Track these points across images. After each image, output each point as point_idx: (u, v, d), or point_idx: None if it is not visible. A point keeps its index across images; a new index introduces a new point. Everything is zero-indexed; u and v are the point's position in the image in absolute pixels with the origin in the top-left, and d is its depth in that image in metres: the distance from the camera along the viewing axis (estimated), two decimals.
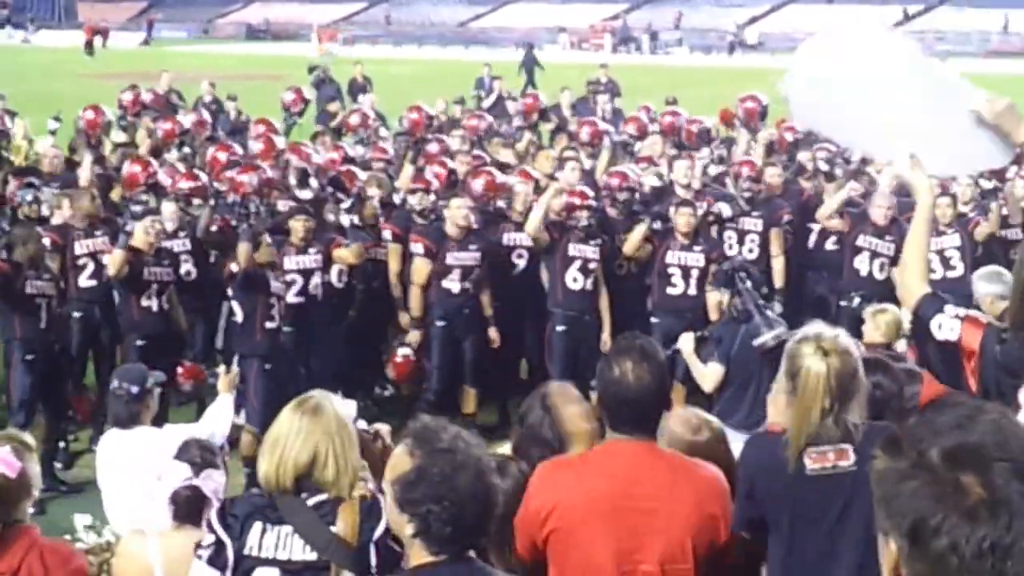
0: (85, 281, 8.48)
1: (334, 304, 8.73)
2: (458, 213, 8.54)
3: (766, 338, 6.12)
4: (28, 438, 3.81)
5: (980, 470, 1.58)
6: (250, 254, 7.81)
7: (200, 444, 4.20)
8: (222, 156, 9.29)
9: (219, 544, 3.43)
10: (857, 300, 8.68)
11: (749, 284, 6.29)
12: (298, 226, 8.42)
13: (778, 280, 9.31)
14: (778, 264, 9.36)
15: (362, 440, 3.67)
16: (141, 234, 7.95)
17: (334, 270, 8.72)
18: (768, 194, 9.59)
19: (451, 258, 8.52)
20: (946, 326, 3.53)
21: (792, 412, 3.55)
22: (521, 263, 8.93)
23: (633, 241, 8.70)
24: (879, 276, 8.99)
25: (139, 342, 7.91)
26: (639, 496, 3.39)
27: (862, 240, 9.07)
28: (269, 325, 7.95)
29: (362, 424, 3.83)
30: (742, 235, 9.34)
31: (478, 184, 9.06)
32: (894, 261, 8.89)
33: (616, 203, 9.05)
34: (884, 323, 6.06)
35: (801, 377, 3.52)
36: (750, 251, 9.27)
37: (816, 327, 3.67)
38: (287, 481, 3.45)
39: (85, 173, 9.93)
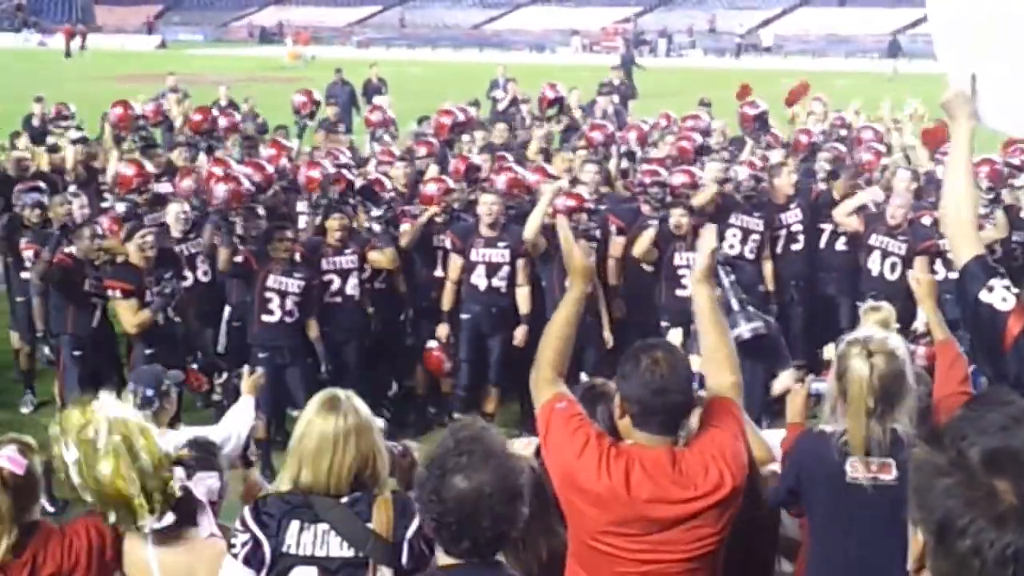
0: None
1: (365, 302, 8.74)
2: (483, 208, 8.56)
3: (741, 330, 6.14)
4: (31, 440, 3.79)
5: (1017, 477, 1.58)
6: (229, 258, 8.09)
7: (198, 445, 4.13)
8: (217, 170, 9.13)
9: (255, 542, 3.41)
10: (869, 301, 8.67)
11: (733, 278, 6.33)
12: (334, 225, 8.46)
13: (770, 283, 9.40)
14: (769, 267, 9.43)
15: (390, 455, 3.68)
16: (136, 252, 7.85)
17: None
18: (778, 196, 9.61)
19: (475, 254, 8.54)
20: (999, 294, 3.47)
21: (846, 417, 3.59)
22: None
23: (642, 244, 8.71)
24: (890, 276, 8.98)
25: (147, 351, 7.80)
26: (663, 505, 3.33)
27: (874, 239, 9.10)
28: (266, 318, 8.03)
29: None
30: (746, 235, 9.35)
31: (501, 181, 9.09)
32: (907, 262, 8.91)
33: (649, 199, 9.10)
34: (873, 321, 6.10)
35: (846, 379, 3.58)
36: (751, 251, 9.30)
37: (869, 330, 3.75)
38: (342, 485, 3.42)
39: (112, 170, 9.98)
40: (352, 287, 8.52)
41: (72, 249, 7.93)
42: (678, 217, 8.59)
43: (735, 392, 3.56)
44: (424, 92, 20.30)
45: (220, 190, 8.53)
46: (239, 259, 8.18)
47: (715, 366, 3.58)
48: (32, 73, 35.36)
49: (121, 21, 67.10)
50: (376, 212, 8.85)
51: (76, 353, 7.79)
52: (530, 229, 8.44)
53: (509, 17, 66.41)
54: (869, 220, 9.20)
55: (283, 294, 8.05)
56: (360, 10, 69.44)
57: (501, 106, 18.21)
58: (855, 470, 3.59)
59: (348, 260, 8.50)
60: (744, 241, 9.34)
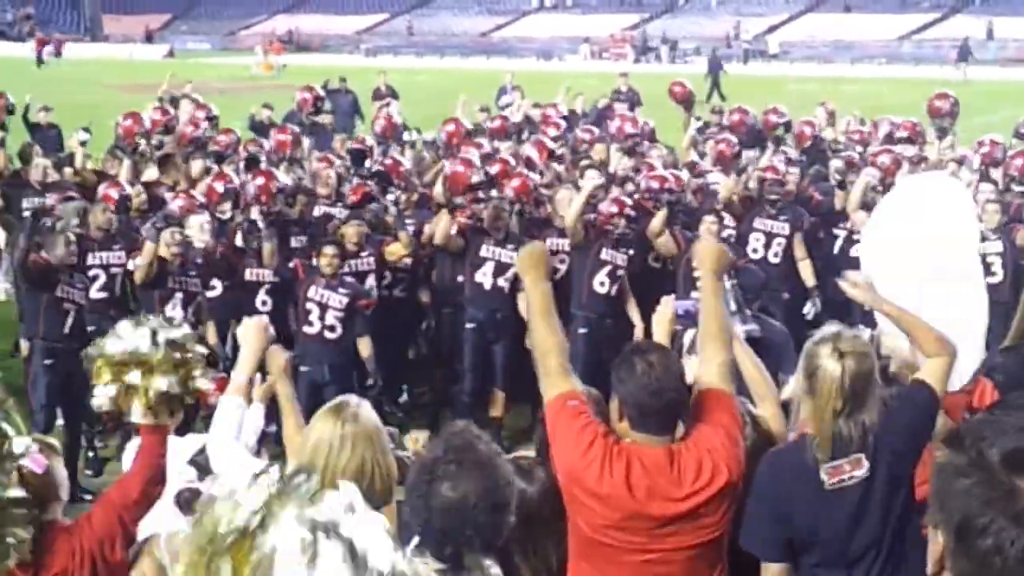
0: (96, 293, 8.44)
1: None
2: (492, 213, 8.64)
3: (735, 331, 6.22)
4: (53, 441, 3.82)
5: None
6: (274, 251, 8.16)
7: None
8: (218, 186, 9.15)
9: None
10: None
11: (734, 281, 6.41)
12: (351, 232, 8.55)
13: (810, 280, 9.42)
14: (806, 266, 9.45)
15: (400, 462, 3.67)
16: (163, 245, 7.92)
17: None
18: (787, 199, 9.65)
19: (485, 250, 8.59)
20: None
21: (812, 416, 3.61)
22: (563, 268, 8.94)
23: (656, 224, 8.79)
24: None
25: None
26: (663, 502, 3.38)
27: None
28: (306, 329, 8.05)
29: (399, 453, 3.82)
30: (770, 239, 9.42)
31: (511, 186, 9.13)
32: None
33: (659, 205, 9.16)
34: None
35: (817, 378, 3.58)
36: (775, 255, 9.36)
37: (835, 327, 3.71)
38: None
39: (124, 175, 10.01)
40: (368, 288, 8.55)
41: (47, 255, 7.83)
42: (709, 224, 8.66)
43: (724, 372, 3.58)
44: (432, 99, 20.37)
45: (250, 185, 8.63)
46: (291, 264, 8.27)
47: (705, 341, 3.65)
48: (36, 81, 35.44)
49: (129, 30, 67.33)
50: (391, 196, 8.89)
51: (47, 362, 7.73)
52: (570, 217, 8.51)
53: (516, 24, 66.51)
54: None
55: (323, 307, 8.02)
56: (368, 18, 69.61)
57: (515, 118, 18.05)
58: (831, 476, 3.60)
59: (364, 263, 8.59)
60: (768, 245, 9.40)
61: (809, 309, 9.34)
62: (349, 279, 8.30)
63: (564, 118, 13.12)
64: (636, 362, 3.42)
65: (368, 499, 3.38)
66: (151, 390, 3.53)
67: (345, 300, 8.06)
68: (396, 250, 8.67)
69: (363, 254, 8.61)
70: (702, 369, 3.64)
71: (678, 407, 3.47)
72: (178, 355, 3.55)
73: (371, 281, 8.62)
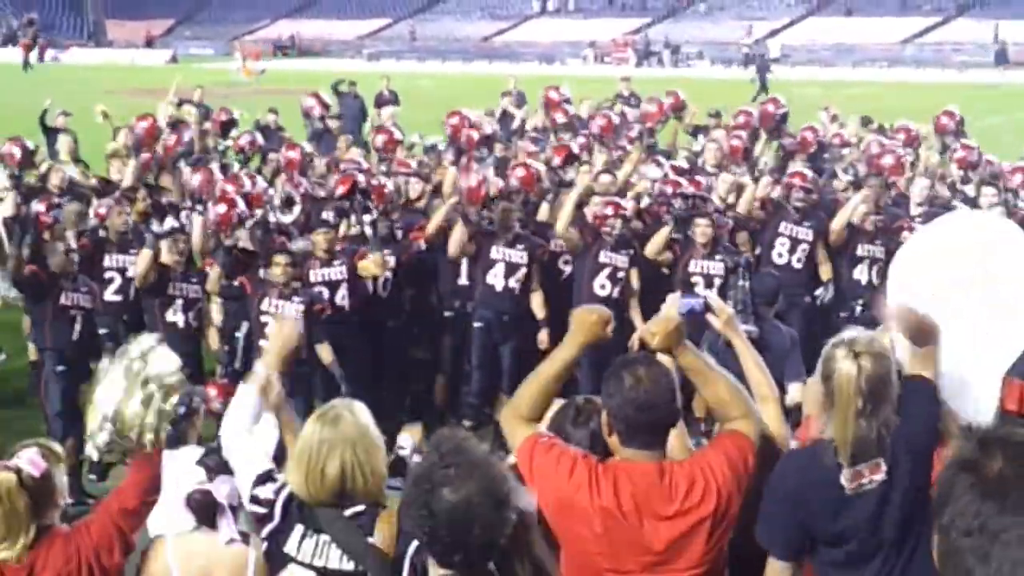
0: (110, 296, 8.47)
1: (373, 312, 8.77)
2: (501, 214, 8.66)
3: None
4: (57, 447, 3.85)
5: (1006, 457, 1.66)
6: (218, 279, 8.01)
7: (219, 450, 4.17)
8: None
9: (270, 514, 3.53)
10: (859, 308, 8.84)
11: (746, 284, 6.45)
12: (320, 240, 8.44)
13: (826, 275, 9.47)
14: (826, 270, 9.51)
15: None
16: (165, 252, 7.90)
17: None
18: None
19: (495, 251, 8.62)
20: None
21: (832, 419, 3.58)
22: (568, 269, 8.98)
23: (656, 243, 8.81)
24: (876, 282, 9.10)
25: None
26: (652, 520, 3.34)
27: (860, 250, 9.28)
28: (264, 343, 7.90)
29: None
30: (795, 244, 9.44)
31: (516, 176, 9.13)
32: (886, 265, 9.07)
33: (671, 209, 9.19)
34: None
35: (833, 380, 3.56)
36: (799, 260, 9.40)
37: (853, 331, 3.70)
38: (323, 494, 3.50)
39: (129, 179, 10.03)
40: (341, 298, 8.44)
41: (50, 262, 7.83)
42: (704, 227, 8.67)
43: (752, 420, 3.51)
44: (434, 104, 20.34)
45: (211, 212, 8.42)
46: (235, 282, 8.08)
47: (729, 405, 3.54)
48: (40, 87, 35.50)
49: (132, 35, 67.45)
50: (368, 217, 8.80)
51: (59, 368, 7.74)
52: (560, 225, 8.52)
53: (518, 29, 66.54)
54: (848, 233, 9.32)
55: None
56: (370, 23, 69.62)
57: (516, 124, 18.07)
58: (851, 481, 3.59)
59: (336, 272, 8.46)
60: (792, 250, 9.43)
61: (821, 293, 9.42)
62: (302, 286, 8.10)
63: (567, 124, 13.16)
64: (624, 375, 3.35)
65: (351, 499, 3.47)
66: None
67: (300, 308, 7.82)
68: (368, 267, 8.52)
69: (335, 263, 8.46)
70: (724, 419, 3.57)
71: (668, 421, 3.41)
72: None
73: (343, 290, 8.45)
